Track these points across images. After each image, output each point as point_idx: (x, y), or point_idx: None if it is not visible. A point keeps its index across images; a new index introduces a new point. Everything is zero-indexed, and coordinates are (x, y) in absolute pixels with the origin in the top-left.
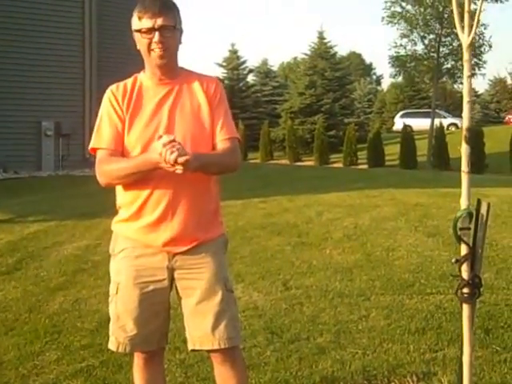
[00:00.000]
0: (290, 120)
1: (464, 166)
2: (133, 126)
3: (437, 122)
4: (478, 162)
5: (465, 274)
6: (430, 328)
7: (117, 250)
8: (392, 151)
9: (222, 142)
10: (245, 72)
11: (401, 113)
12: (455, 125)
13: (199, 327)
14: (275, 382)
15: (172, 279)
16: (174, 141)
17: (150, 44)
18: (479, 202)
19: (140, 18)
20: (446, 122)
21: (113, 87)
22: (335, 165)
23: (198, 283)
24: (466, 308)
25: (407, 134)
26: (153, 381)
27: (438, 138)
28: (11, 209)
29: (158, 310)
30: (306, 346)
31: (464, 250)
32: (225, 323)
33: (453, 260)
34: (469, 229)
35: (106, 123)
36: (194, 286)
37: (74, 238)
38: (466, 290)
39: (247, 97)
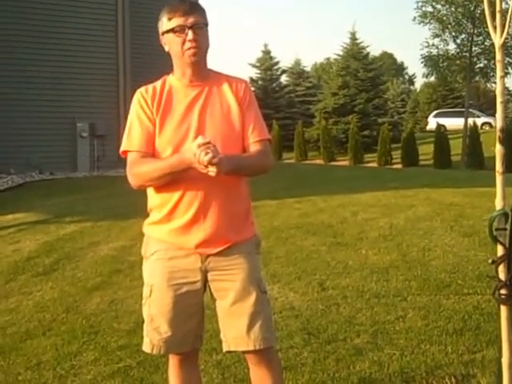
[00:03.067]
0: (323, 120)
1: (498, 167)
2: (164, 127)
3: (470, 121)
4: None
5: (502, 275)
6: (467, 329)
7: (149, 252)
8: (426, 151)
9: (253, 145)
10: (278, 72)
11: (434, 112)
12: (489, 124)
13: (234, 328)
14: (313, 383)
15: (205, 281)
16: (209, 143)
17: (183, 43)
18: None
19: (170, 19)
20: (479, 121)
21: (142, 89)
22: (369, 164)
23: (231, 284)
24: (503, 309)
25: (441, 133)
26: (188, 381)
27: (472, 137)
28: (47, 209)
29: (192, 311)
30: (343, 346)
31: (500, 250)
32: (259, 324)
33: (489, 261)
34: (505, 229)
35: (136, 125)
36: (228, 287)
37: (109, 239)
38: (503, 292)
39: (281, 97)
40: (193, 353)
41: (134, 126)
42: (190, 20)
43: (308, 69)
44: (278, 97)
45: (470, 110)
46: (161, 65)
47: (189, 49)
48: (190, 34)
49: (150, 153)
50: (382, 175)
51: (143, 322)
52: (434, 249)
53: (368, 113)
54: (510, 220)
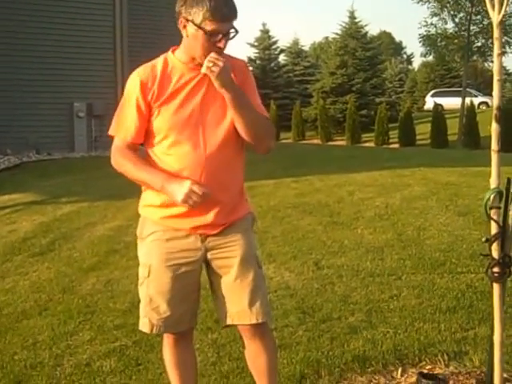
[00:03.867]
0: (321, 100)
1: (494, 145)
2: (162, 111)
3: (467, 100)
4: (508, 141)
5: (495, 253)
6: (461, 307)
7: (145, 233)
8: (423, 130)
9: None
10: (276, 52)
11: (432, 92)
12: (486, 103)
13: (237, 303)
14: (307, 361)
15: (204, 260)
16: (201, 195)
17: (211, 46)
18: (509, 181)
19: (207, 18)
20: (476, 100)
21: (140, 70)
22: (367, 144)
23: (232, 261)
24: (496, 287)
25: (438, 113)
26: (183, 360)
27: (469, 116)
28: (44, 190)
29: (190, 290)
30: (337, 325)
31: (494, 228)
32: (260, 298)
33: (483, 239)
34: (499, 208)
35: (128, 109)
36: (229, 263)
37: (106, 219)
38: (496, 270)
39: (279, 77)
40: (188, 332)
41: (126, 110)
42: (226, 27)
43: (306, 48)
44: (276, 76)
45: (468, 89)
46: (159, 43)
47: (214, 52)
48: (222, 42)
49: (138, 143)
50: (378, 155)
51: (139, 302)
52: (429, 228)
53: (366, 92)
54: (504, 198)
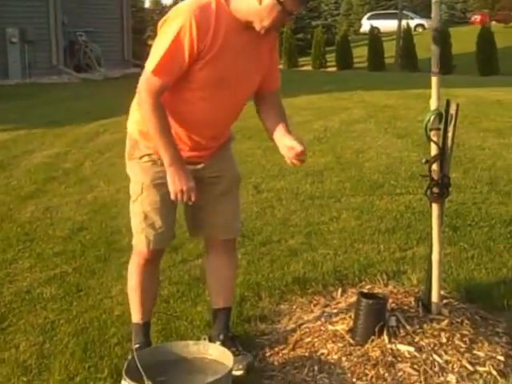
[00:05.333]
0: None
1: (434, 67)
2: (207, 64)
3: (404, 23)
4: (446, 63)
5: (434, 174)
6: (399, 228)
7: (137, 155)
8: (360, 53)
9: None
10: None
11: (368, 15)
12: (422, 26)
13: (223, 216)
14: (247, 284)
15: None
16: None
17: (280, 22)
18: (448, 103)
19: None
20: (413, 23)
21: (195, 9)
22: (304, 68)
23: (223, 174)
24: (435, 207)
25: (374, 35)
26: (149, 280)
27: (406, 39)
28: None
29: (173, 207)
30: (277, 248)
31: (434, 150)
32: (239, 215)
33: (423, 160)
34: (439, 129)
35: (178, 52)
36: (218, 181)
37: (43, 147)
38: (435, 190)
39: None
40: (162, 252)
41: (174, 52)
42: (299, 10)
43: None
44: None
45: (404, 11)
46: None
47: (275, 28)
48: (289, 21)
49: (172, 84)
50: (316, 78)
51: (79, 228)
52: (367, 151)
53: (301, 16)
54: (443, 120)
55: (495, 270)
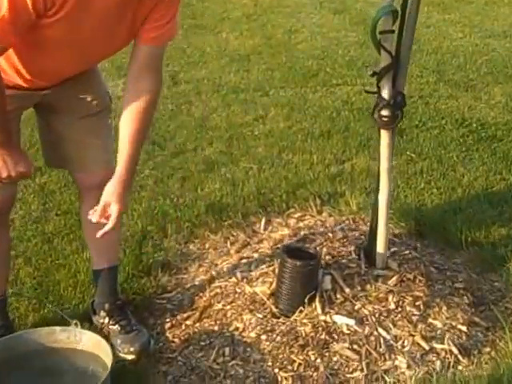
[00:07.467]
0: None
1: None
2: (58, 21)
3: None
4: None
5: (384, 92)
6: (336, 131)
7: None
8: None
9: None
10: None
11: None
12: None
13: (76, 148)
14: (151, 214)
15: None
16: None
17: None
18: None
19: None
20: None
21: None
22: None
23: (78, 100)
24: (384, 134)
25: None
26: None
27: None
28: None
29: None
30: (191, 160)
31: (385, 59)
32: (106, 147)
33: (369, 72)
34: (392, 32)
35: (16, 12)
36: (74, 103)
37: None
38: (385, 113)
39: None
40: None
41: (12, 13)
42: None
43: None
44: None
45: None
46: None
47: None
48: None
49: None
50: None
51: None
52: (301, 30)
53: None
54: (399, 20)
55: (448, 191)
